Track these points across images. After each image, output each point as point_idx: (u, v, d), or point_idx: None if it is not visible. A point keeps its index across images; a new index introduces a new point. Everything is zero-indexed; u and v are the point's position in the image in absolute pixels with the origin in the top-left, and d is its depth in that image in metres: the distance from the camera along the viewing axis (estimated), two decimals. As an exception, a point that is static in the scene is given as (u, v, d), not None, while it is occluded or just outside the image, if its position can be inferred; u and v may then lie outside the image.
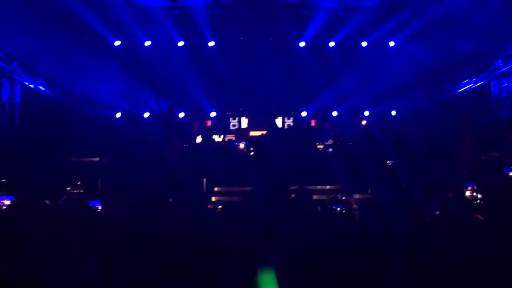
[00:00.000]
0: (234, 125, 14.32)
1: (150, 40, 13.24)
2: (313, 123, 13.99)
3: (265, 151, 9.20)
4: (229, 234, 2.73)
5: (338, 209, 4.79)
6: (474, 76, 11.91)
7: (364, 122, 13.12)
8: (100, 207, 6.38)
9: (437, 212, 4.09)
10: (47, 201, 6.66)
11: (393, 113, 13.95)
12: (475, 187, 5.87)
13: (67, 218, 4.13)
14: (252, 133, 13.64)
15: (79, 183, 8.79)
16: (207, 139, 11.33)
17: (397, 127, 12.54)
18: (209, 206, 7.69)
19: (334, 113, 14.13)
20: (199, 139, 12.46)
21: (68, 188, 8.62)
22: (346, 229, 3.38)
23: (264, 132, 11.44)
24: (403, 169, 7.44)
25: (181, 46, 13.35)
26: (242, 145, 10.94)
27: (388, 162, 8.75)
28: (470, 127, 9.38)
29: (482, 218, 4.22)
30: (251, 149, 10.08)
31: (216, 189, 10.54)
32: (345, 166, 8.96)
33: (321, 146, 10.88)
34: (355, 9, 12.22)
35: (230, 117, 14.31)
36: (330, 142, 11.00)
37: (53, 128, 11.16)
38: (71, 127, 11.38)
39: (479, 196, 5.71)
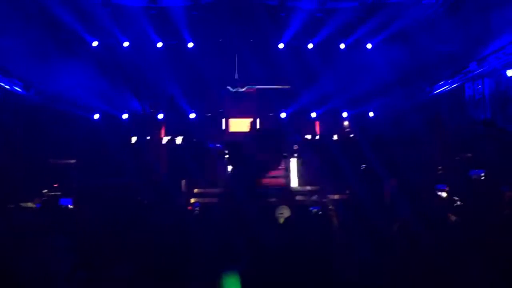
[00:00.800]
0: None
1: (129, 41, 13.09)
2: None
3: (241, 153, 9.18)
4: (202, 236, 2.74)
5: (315, 210, 4.82)
6: (449, 78, 12.10)
7: (346, 123, 13.24)
8: (71, 206, 6.32)
9: (411, 212, 4.14)
10: (21, 204, 6.57)
11: (371, 114, 14.09)
12: (447, 188, 5.98)
13: (43, 219, 4.09)
14: (233, 129, 13.66)
15: (55, 185, 8.69)
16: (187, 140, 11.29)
17: (375, 128, 12.67)
18: (188, 208, 7.68)
19: (313, 114, 14.20)
20: (179, 140, 12.41)
21: (45, 191, 8.52)
22: (321, 232, 3.41)
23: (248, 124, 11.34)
24: (380, 169, 7.53)
25: (159, 47, 13.23)
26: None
27: (362, 166, 8.87)
28: (444, 128, 9.54)
29: (455, 218, 4.30)
30: (226, 151, 10.10)
31: (195, 190, 10.55)
32: (323, 168, 9.03)
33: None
34: (334, 11, 12.31)
35: (210, 118, 14.19)
36: (295, 147, 11.08)
37: (29, 129, 10.97)
38: (48, 129, 11.19)
39: (452, 197, 5.82)
